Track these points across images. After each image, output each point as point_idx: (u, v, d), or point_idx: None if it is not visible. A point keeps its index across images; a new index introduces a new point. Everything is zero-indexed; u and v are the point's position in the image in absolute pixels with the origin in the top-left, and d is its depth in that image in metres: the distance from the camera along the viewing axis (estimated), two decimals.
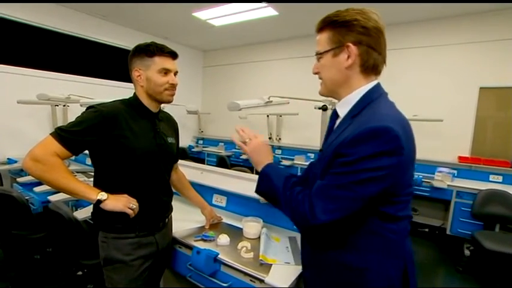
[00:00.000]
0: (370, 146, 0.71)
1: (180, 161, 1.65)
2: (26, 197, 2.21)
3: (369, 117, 0.77)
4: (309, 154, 4.57)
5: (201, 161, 5.31)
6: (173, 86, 1.20)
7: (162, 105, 1.27)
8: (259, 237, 1.47)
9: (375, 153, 0.71)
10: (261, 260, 1.24)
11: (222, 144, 5.41)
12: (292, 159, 4.41)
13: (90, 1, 3.48)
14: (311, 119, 4.73)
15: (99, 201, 1.02)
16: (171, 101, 1.23)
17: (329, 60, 0.85)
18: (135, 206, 1.08)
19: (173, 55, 1.19)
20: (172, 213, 1.44)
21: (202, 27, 4.38)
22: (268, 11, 3.61)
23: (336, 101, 0.95)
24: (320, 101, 1.50)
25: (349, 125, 0.80)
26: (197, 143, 6.08)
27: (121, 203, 1.05)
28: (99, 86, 4.27)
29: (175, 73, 1.21)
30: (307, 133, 4.85)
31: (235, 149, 5.38)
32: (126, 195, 1.09)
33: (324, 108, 1.46)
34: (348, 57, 0.81)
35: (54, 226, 1.90)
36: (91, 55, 4.26)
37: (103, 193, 1.03)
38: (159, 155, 1.21)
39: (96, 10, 3.89)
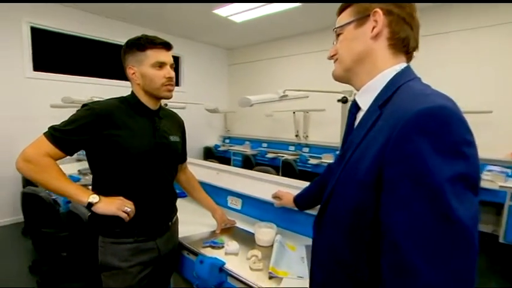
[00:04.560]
0: (435, 136, 0.48)
1: (197, 161, 1.57)
2: (53, 197, 2.29)
3: (409, 100, 0.55)
4: (337, 152, 4.31)
5: (226, 160, 5.28)
6: (170, 80, 1.11)
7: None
8: (272, 245, 1.34)
9: (450, 143, 0.48)
10: (270, 272, 1.11)
11: (248, 143, 5.33)
12: (320, 158, 4.20)
13: (107, 1, 3.51)
14: (338, 115, 4.48)
15: (91, 204, 0.96)
16: (170, 97, 1.14)
17: (351, 33, 0.70)
18: (129, 209, 1.01)
19: (166, 46, 1.10)
20: (183, 216, 1.36)
21: (224, 25, 4.32)
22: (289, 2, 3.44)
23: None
24: (340, 93, 1.33)
25: (379, 118, 0.61)
26: (224, 142, 6.07)
27: (114, 206, 0.99)
28: (121, 88, 4.39)
29: (172, 66, 1.12)
30: (335, 129, 4.57)
31: (261, 147, 5.27)
32: (121, 198, 1.03)
33: (343, 101, 1.28)
34: (374, 27, 0.65)
35: (75, 226, 1.93)
36: (112, 58, 4.34)
37: (95, 195, 0.98)
38: (158, 154, 1.13)
39: (116, 13, 3.95)
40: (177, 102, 3.36)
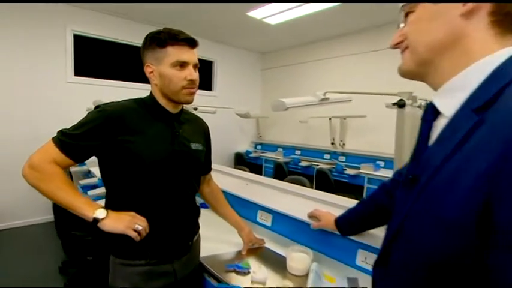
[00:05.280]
0: None
1: (224, 168, 1.42)
2: None
3: None
4: (378, 162, 3.94)
5: (258, 167, 5.12)
6: (193, 83, 0.96)
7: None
8: (307, 275, 1.12)
9: None
10: None
11: (281, 149, 5.12)
12: (358, 168, 3.86)
13: (147, 1, 3.49)
14: (381, 121, 4.10)
15: (96, 221, 0.83)
16: (191, 102, 0.99)
17: (428, 9, 0.49)
18: (141, 227, 0.87)
19: (190, 43, 0.95)
20: (206, 230, 1.22)
21: (258, 27, 4.19)
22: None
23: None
24: (394, 95, 1.09)
25: (478, 128, 0.41)
26: (255, 148, 5.91)
27: (122, 223, 0.85)
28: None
29: (195, 66, 0.97)
30: (375, 138, 4.22)
31: (294, 155, 5.03)
32: (132, 214, 0.89)
33: (401, 105, 1.03)
34: None
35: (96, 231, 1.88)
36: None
37: (101, 210, 0.85)
38: (177, 164, 0.98)
39: (154, 18, 3.98)
40: (208, 106, 3.28)
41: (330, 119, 4.50)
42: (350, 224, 1.08)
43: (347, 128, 4.55)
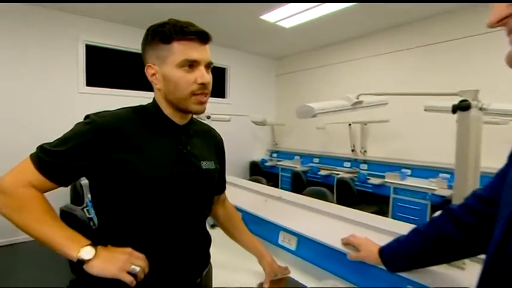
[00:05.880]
0: None
1: (238, 181, 1.23)
2: (90, 216, 2.15)
3: None
4: (403, 170, 3.65)
5: (274, 176, 4.91)
6: (204, 87, 0.77)
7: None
8: None
9: None
10: None
11: (298, 157, 4.89)
12: (383, 177, 3.58)
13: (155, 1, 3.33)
14: (405, 127, 3.84)
15: (82, 262, 0.66)
16: (202, 111, 0.80)
17: None
18: (138, 269, 0.69)
19: (202, 37, 0.76)
20: (218, 256, 1.04)
21: (272, 31, 4.03)
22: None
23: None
24: (453, 95, 0.87)
25: None
26: (271, 156, 5.70)
27: (115, 264, 0.67)
28: None
29: (208, 66, 0.79)
30: (399, 144, 3.95)
31: (312, 163, 4.79)
32: (127, 251, 0.71)
33: (464, 107, 0.81)
34: None
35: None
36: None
37: (88, 249, 0.67)
38: (184, 188, 0.80)
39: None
40: (222, 114, 3.12)
41: (349, 124, 4.26)
42: (400, 258, 0.85)
43: (368, 133, 4.29)
